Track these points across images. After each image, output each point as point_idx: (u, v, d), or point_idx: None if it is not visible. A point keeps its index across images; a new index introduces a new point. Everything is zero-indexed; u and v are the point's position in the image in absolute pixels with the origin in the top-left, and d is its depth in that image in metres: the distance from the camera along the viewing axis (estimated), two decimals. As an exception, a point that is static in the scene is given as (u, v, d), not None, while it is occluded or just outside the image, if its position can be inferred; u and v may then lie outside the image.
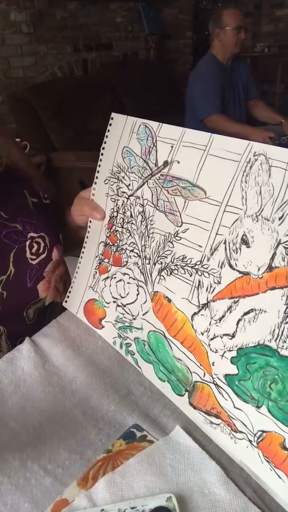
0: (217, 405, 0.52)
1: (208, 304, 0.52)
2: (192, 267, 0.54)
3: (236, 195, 0.48)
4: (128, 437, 0.54)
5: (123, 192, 0.64)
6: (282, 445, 0.45)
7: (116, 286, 0.67)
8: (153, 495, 0.46)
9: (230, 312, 0.49)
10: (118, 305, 0.67)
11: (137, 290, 0.63)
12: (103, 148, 0.66)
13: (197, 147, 0.52)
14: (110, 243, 0.67)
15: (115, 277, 0.67)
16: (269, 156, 0.45)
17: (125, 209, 0.64)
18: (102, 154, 0.67)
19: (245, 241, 0.47)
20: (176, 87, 4.04)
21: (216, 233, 0.50)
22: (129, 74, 3.79)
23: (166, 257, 0.57)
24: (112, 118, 0.65)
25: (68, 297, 0.78)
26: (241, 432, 0.49)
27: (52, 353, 0.69)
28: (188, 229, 0.54)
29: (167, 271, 0.57)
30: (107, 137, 0.65)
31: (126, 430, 0.55)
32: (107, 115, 0.65)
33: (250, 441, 0.48)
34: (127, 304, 0.65)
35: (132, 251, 0.63)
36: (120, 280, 0.66)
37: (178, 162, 0.55)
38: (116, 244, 0.66)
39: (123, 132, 0.63)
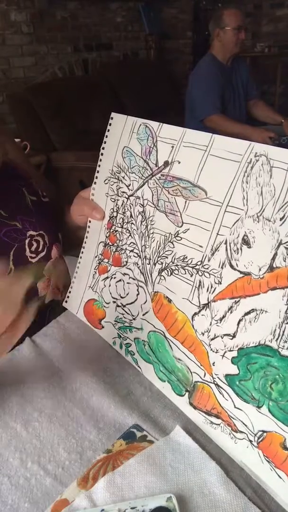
0: (218, 405, 0.52)
1: (209, 304, 0.52)
2: (192, 267, 0.54)
3: (237, 196, 0.48)
4: (128, 437, 0.54)
5: (123, 192, 0.64)
6: (283, 445, 0.45)
7: (116, 286, 0.67)
8: (153, 495, 0.46)
9: (231, 312, 0.49)
10: (117, 305, 0.67)
11: (137, 290, 0.63)
12: (103, 148, 0.66)
13: (198, 147, 0.52)
14: (110, 243, 0.67)
15: (114, 277, 0.67)
16: (270, 157, 0.45)
17: (125, 209, 0.64)
18: (102, 154, 0.67)
19: (246, 242, 0.47)
20: (176, 87, 4.04)
21: (217, 234, 0.50)
22: (129, 74, 3.79)
23: (167, 257, 0.57)
24: (112, 118, 0.65)
25: (68, 297, 0.78)
26: (241, 432, 0.49)
27: (52, 353, 0.69)
28: (188, 229, 0.54)
29: (167, 271, 0.57)
30: (107, 137, 0.65)
31: (126, 430, 0.55)
32: (107, 115, 0.65)
33: (251, 441, 0.48)
34: (127, 304, 0.65)
35: (132, 251, 0.63)
36: (120, 280, 0.66)
37: (179, 162, 0.55)
38: (115, 244, 0.66)
39: (123, 132, 0.63)
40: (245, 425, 0.49)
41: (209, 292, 0.51)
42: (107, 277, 0.68)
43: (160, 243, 0.58)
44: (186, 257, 0.54)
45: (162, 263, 0.58)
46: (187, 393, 0.56)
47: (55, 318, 0.78)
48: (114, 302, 0.68)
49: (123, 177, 0.64)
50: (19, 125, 3.13)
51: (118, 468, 0.49)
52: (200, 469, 0.49)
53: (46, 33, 3.51)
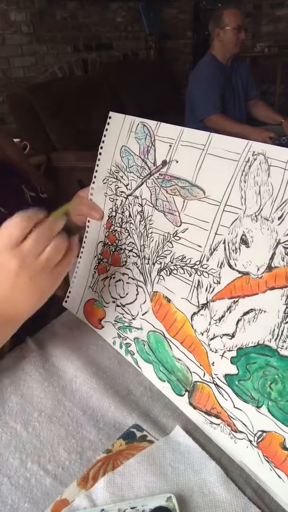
0: (217, 405, 0.52)
1: (208, 304, 0.52)
2: (191, 267, 0.54)
3: (235, 195, 0.48)
4: (128, 437, 0.54)
5: (122, 191, 0.64)
6: (282, 445, 0.45)
7: (115, 286, 0.67)
8: (153, 495, 0.46)
9: (230, 312, 0.49)
10: (117, 305, 0.67)
11: (136, 290, 0.63)
12: (101, 148, 0.66)
13: (195, 147, 0.52)
14: (109, 243, 0.67)
15: (114, 277, 0.67)
16: (268, 156, 0.45)
17: (123, 209, 0.64)
18: (100, 154, 0.66)
19: (244, 241, 0.47)
20: (176, 87, 4.03)
21: (216, 233, 0.50)
22: (129, 74, 3.78)
23: (165, 257, 0.57)
24: (110, 117, 0.64)
25: (68, 297, 0.78)
26: (241, 432, 0.49)
27: (52, 353, 0.69)
28: (187, 229, 0.54)
29: (166, 271, 0.57)
30: (105, 136, 0.65)
31: (126, 430, 0.55)
32: (107, 115, 0.65)
33: (250, 441, 0.48)
34: (127, 304, 0.65)
35: (131, 251, 0.63)
36: (119, 280, 0.66)
37: (177, 162, 0.55)
38: (114, 243, 0.66)
39: (121, 131, 0.63)
40: (245, 425, 0.49)
41: (208, 292, 0.52)
42: (107, 277, 0.68)
43: (159, 242, 0.58)
44: (185, 257, 0.54)
45: (161, 263, 0.58)
46: (186, 393, 0.56)
47: (56, 312, 0.78)
48: (113, 302, 0.68)
49: (122, 177, 0.64)
50: (19, 125, 3.12)
51: (118, 468, 0.49)
52: (200, 469, 0.49)
53: (46, 33, 3.50)
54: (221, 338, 0.50)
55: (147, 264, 0.60)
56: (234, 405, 0.50)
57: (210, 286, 0.51)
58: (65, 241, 0.51)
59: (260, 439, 0.47)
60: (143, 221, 0.60)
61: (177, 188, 0.55)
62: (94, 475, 0.49)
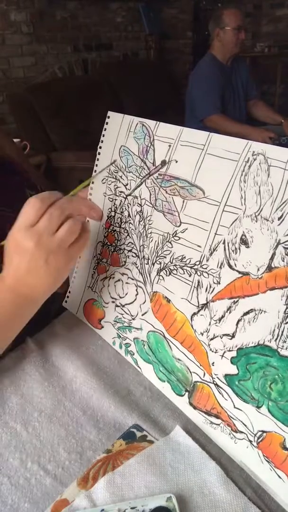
0: (217, 405, 0.52)
1: (208, 304, 0.52)
2: (191, 267, 0.54)
3: (235, 195, 0.48)
4: (128, 437, 0.54)
5: (121, 191, 0.64)
6: (282, 445, 0.45)
7: (115, 286, 0.67)
8: (153, 495, 0.46)
9: (230, 312, 0.49)
10: (117, 305, 0.67)
11: (136, 290, 0.63)
12: (100, 147, 0.66)
13: (195, 146, 0.52)
14: (108, 243, 0.67)
15: (113, 277, 0.67)
16: (268, 156, 0.45)
17: (123, 209, 0.64)
18: (99, 154, 0.66)
19: (244, 241, 0.47)
20: (176, 87, 4.03)
21: (215, 233, 0.50)
22: (129, 74, 3.79)
23: (165, 257, 0.57)
24: (108, 117, 0.64)
25: (67, 297, 0.78)
26: (241, 432, 0.49)
27: (52, 353, 0.69)
28: (186, 229, 0.54)
29: (166, 271, 0.57)
30: (104, 136, 0.65)
31: (126, 430, 0.55)
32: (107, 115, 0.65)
33: (250, 441, 0.48)
34: (126, 304, 0.65)
35: (130, 251, 0.63)
36: (119, 280, 0.66)
37: (176, 162, 0.55)
38: (114, 244, 0.66)
39: (120, 131, 0.63)
40: (245, 425, 0.49)
41: (208, 292, 0.52)
42: (106, 277, 0.68)
43: (158, 243, 0.58)
44: (185, 257, 0.54)
45: (160, 263, 0.58)
46: (186, 393, 0.56)
47: (55, 318, 0.78)
48: (113, 302, 0.68)
49: (121, 177, 0.64)
50: (19, 125, 3.13)
51: (118, 468, 0.49)
52: (200, 469, 0.49)
53: (46, 33, 3.50)
54: (221, 338, 0.50)
55: (146, 264, 0.60)
56: (234, 405, 0.50)
57: (210, 286, 0.51)
58: (79, 223, 0.53)
59: (260, 439, 0.47)
60: (143, 221, 0.60)
61: (176, 188, 0.55)
62: (94, 475, 0.49)
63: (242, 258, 0.47)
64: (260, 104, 2.97)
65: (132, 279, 0.63)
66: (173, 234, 0.56)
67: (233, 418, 0.50)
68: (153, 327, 0.60)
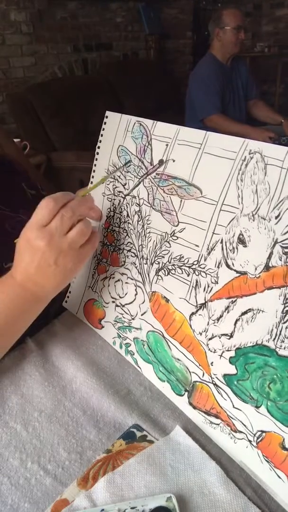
0: (217, 405, 0.52)
1: (206, 304, 0.52)
2: (189, 267, 0.54)
3: (232, 194, 0.48)
4: (128, 437, 0.54)
5: (119, 191, 0.64)
6: (282, 445, 0.45)
7: (115, 286, 0.67)
8: (153, 495, 0.46)
9: (228, 312, 0.49)
10: (117, 305, 0.67)
11: (135, 290, 0.63)
12: (98, 147, 0.66)
13: (192, 145, 0.52)
14: (108, 243, 0.67)
15: (113, 277, 0.67)
16: (264, 154, 0.45)
17: (121, 209, 0.64)
18: (97, 153, 0.66)
19: (241, 241, 0.47)
20: (176, 87, 4.03)
21: (213, 233, 0.50)
22: (129, 74, 3.78)
23: (163, 257, 0.57)
24: (106, 117, 0.64)
25: (68, 297, 0.78)
26: (240, 432, 0.49)
27: (52, 353, 0.69)
28: (184, 228, 0.54)
29: (164, 271, 0.57)
30: (102, 135, 0.65)
31: (126, 430, 0.55)
32: (106, 115, 0.65)
33: (250, 441, 0.48)
34: (126, 304, 0.65)
35: (129, 251, 0.63)
36: (118, 280, 0.66)
37: (173, 161, 0.55)
38: (113, 244, 0.66)
39: (118, 131, 0.63)
40: (244, 425, 0.49)
41: (206, 292, 0.51)
42: (106, 277, 0.69)
43: (156, 242, 0.58)
44: (183, 257, 0.54)
45: (159, 263, 0.58)
46: (186, 393, 0.56)
47: (55, 318, 0.78)
48: (113, 302, 0.68)
49: (119, 176, 0.64)
50: (19, 125, 3.12)
51: (118, 468, 0.49)
52: (200, 469, 0.49)
53: (46, 33, 3.50)
54: (220, 338, 0.50)
55: (145, 264, 0.60)
56: (233, 405, 0.50)
57: (208, 286, 0.51)
58: (89, 225, 0.55)
59: (259, 439, 0.47)
60: (141, 221, 0.60)
61: (174, 187, 0.55)
62: (94, 475, 0.50)
63: (239, 258, 0.47)
64: (260, 104, 2.97)
65: (132, 279, 0.63)
66: (171, 233, 0.56)
67: (233, 418, 0.50)
68: (153, 327, 0.60)
